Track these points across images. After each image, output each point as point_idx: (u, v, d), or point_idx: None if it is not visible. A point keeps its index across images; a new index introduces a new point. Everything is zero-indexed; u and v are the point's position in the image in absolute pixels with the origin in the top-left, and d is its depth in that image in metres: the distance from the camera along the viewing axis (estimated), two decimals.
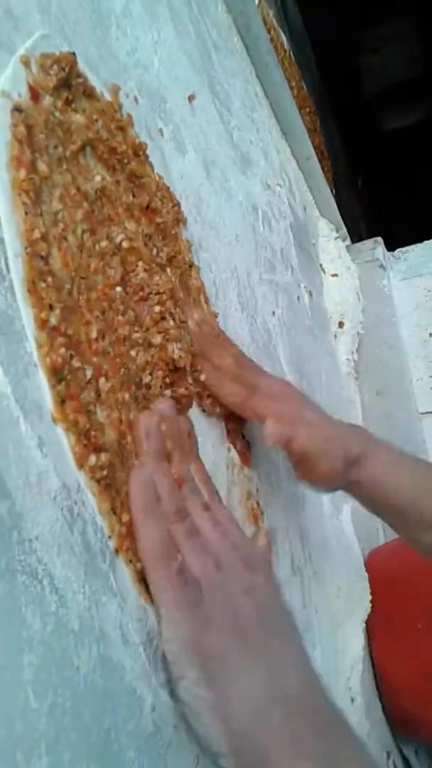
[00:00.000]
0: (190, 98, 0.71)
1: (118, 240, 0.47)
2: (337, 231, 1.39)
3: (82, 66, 0.46)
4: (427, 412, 1.29)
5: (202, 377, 0.53)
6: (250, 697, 0.36)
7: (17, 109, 0.38)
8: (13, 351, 0.33)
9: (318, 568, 0.76)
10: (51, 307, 0.36)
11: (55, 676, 0.31)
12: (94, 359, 0.40)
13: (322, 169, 1.32)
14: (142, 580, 0.40)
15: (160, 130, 0.61)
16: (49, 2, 0.46)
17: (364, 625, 0.88)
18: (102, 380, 0.40)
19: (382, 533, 1.21)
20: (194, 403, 0.53)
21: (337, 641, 0.80)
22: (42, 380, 0.35)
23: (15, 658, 0.29)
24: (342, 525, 0.93)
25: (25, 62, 0.40)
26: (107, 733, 0.34)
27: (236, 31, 1.01)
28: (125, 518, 0.39)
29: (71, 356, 0.37)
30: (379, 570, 0.95)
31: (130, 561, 0.39)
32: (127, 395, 0.43)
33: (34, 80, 0.40)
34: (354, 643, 0.84)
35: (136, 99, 0.57)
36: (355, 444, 0.55)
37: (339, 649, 0.80)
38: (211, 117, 0.78)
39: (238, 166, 0.85)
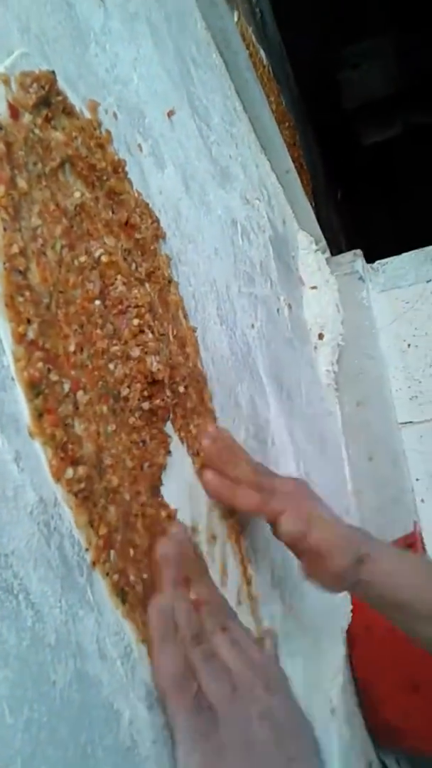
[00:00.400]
0: (170, 114, 0.72)
1: (96, 255, 0.47)
2: (317, 243, 1.41)
3: (61, 83, 0.46)
4: (406, 422, 1.30)
5: (211, 486, 0.57)
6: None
7: None
8: None
9: (299, 578, 0.77)
10: (29, 321, 0.36)
11: (30, 691, 0.31)
12: (72, 372, 0.40)
13: (302, 183, 1.33)
14: (119, 592, 0.40)
15: (139, 146, 0.62)
16: (28, 20, 0.46)
17: (345, 634, 0.88)
18: (80, 393, 0.41)
19: None
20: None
21: (318, 651, 0.80)
22: (19, 394, 0.35)
23: None
24: None
25: (5, 80, 0.40)
26: (84, 749, 0.34)
27: (215, 47, 1.03)
28: (102, 531, 0.39)
29: (49, 370, 0.37)
30: None
31: (107, 574, 0.39)
32: (105, 408, 0.43)
33: (14, 98, 0.41)
34: (335, 653, 0.85)
35: (115, 115, 0.57)
36: (362, 543, 0.58)
37: (320, 659, 0.80)
38: (190, 132, 0.79)
39: (217, 181, 0.86)
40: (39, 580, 0.33)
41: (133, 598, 0.41)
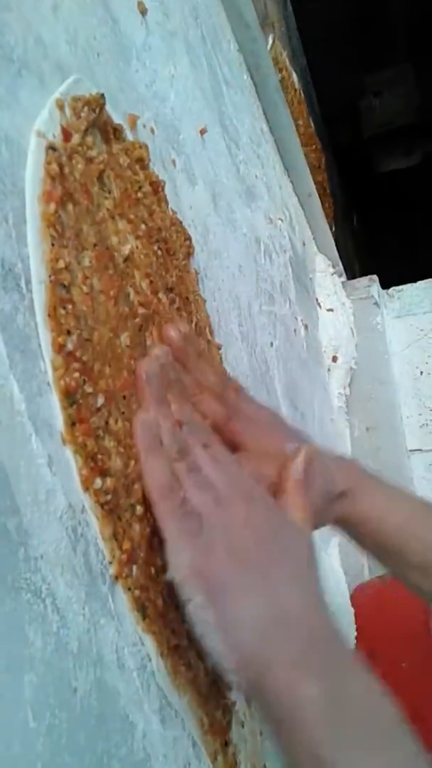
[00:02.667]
0: (202, 131, 0.73)
1: (133, 300, 0.48)
2: (334, 267, 1.42)
3: (108, 107, 0.47)
4: (415, 450, 1.30)
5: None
6: (251, 617, 0.38)
7: (52, 147, 0.39)
8: (28, 369, 0.34)
9: None
10: (69, 332, 0.37)
11: (53, 697, 0.31)
12: (105, 391, 0.41)
13: (324, 206, 1.35)
14: (140, 608, 0.40)
15: (173, 161, 0.62)
16: (76, 33, 0.47)
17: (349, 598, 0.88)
18: (112, 416, 0.41)
19: (367, 570, 1.21)
20: None
21: None
22: (53, 400, 0.35)
23: (17, 676, 0.29)
24: (330, 559, 0.93)
25: (60, 105, 0.42)
26: (100, 758, 0.33)
27: (246, 68, 1.04)
28: (126, 546, 0.39)
29: (84, 381, 0.38)
30: (364, 606, 0.95)
31: (129, 589, 0.39)
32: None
33: (68, 123, 0.42)
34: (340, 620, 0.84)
35: (152, 130, 0.58)
36: (341, 479, 0.52)
37: None
38: (220, 150, 0.80)
39: (243, 199, 0.87)
40: (65, 585, 0.33)
41: (153, 612, 0.41)
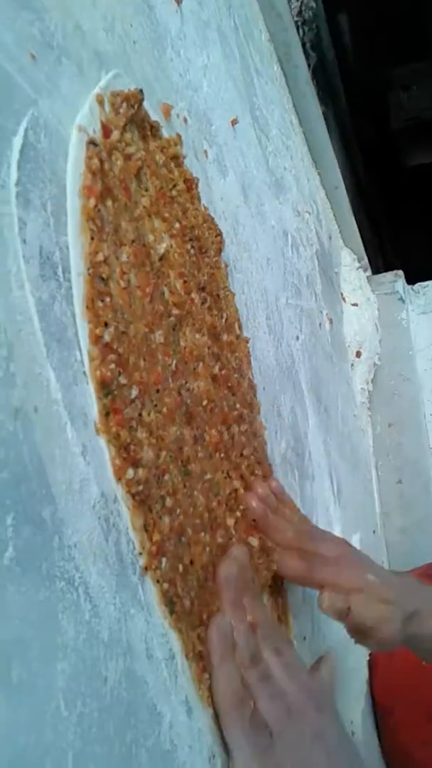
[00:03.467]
0: (233, 122, 0.72)
1: (168, 298, 0.48)
2: (359, 261, 1.40)
3: (146, 103, 0.47)
4: None
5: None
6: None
7: (92, 142, 0.39)
8: (65, 358, 0.34)
9: None
10: (106, 324, 0.37)
11: (84, 686, 0.31)
12: (139, 384, 0.41)
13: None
14: (168, 602, 0.40)
15: (205, 152, 0.62)
16: (113, 20, 0.47)
17: (367, 658, 0.87)
18: (146, 409, 0.41)
19: (387, 567, 1.20)
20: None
21: (343, 672, 0.79)
22: (89, 390, 0.35)
23: (50, 664, 0.29)
24: None
25: (100, 101, 0.42)
26: (129, 748, 0.33)
27: (277, 59, 1.03)
28: (156, 537, 0.39)
29: (119, 373, 0.38)
30: None
31: (158, 581, 0.39)
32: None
33: (107, 118, 0.42)
34: (358, 677, 0.83)
35: (185, 120, 0.58)
36: (410, 601, 0.55)
37: (345, 681, 0.79)
38: (250, 141, 0.79)
39: (272, 191, 0.86)
40: (97, 574, 0.33)
41: (181, 609, 0.41)
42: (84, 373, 0.35)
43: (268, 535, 0.55)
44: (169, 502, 0.42)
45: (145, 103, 0.47)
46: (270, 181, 0.86)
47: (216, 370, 0.54)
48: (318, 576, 0.53)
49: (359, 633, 0.53)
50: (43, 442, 0.31)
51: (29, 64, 0.35)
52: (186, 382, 0.48)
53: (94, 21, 0.44)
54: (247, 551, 0.50)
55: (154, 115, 0.50)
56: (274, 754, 0.39)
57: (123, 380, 0.39)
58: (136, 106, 0.46)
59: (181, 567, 0.42)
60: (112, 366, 0.37)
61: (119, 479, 0.37)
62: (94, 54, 0.43)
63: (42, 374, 0.32)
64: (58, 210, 0.35)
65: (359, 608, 0.51)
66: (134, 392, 0.40)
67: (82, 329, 0.36)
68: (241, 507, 0.54)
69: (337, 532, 0.88)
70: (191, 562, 0.44)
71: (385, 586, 0.54)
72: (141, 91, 0.46)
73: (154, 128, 0.49)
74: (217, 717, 0.43)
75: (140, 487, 0.38)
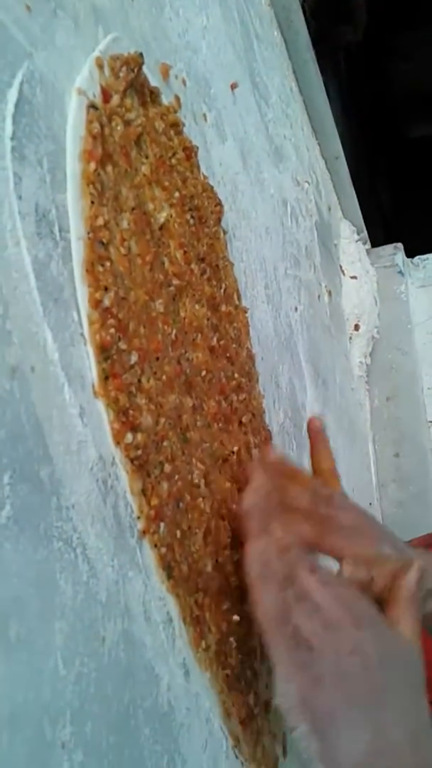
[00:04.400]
0: (233, 86, 0.71)
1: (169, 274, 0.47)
2: (359, 234, 1.39)
3: (145, 68, 0.46)
4: None
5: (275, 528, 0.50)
6: (355, 751, 0.38)
7: (93, 106, 0.39)
8: (62, 318, 0.33)
9: None
10: (106, 289, 0.37)
11: (82, 646, 0.31)
12: (139, 348, 0.41)
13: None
14: (166, 567, 0.40)
15: (204, 115, 0.61)
16: None
17: None
18: (145, 374, 0.41)
19: None
20: None
21: None
22: (86, 351, 0.35)
23: (48, 622, 0.29)
24: None
25: (99, 64, 0.41)
26: (126, 708, 0.34)
27: (277, 24, 1.01)
28: (154, 502, 0.39)
29: (119, 338, 0.37)
30: None
31: (156, 546, 0.39)
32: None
33: (107, 83, 0.41)
34: None
35: (184, 81, 0.56)
36: (428, 579, 0.51)
37: None
38: (250, 107, 0.78)
39: (271, 159, 0.85)
40: (95, 536, 0.33)
41: (179, 575, 0.41)
42: (81, 334, 0.35)
43: (283, 502, 0.52)
44: (167, 468, 0.42)
45: (144, 66, 0.46)
46: (269, 148, 0.85)
47: (214, 341, 0.53)
48: (329, 541, 0.51)
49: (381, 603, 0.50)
50: (41, 402, 0.30)
51: (24, 15, 0.34)
52: (185, 352, 0.48)
53: None
54: (266, 479, 0.50)
55: (153, 75, 0.49)
56: (312, 668, 0.40)
57: (123, 345, 0.38)
58: (135, 70, 0.45)
59: (179, 533, 0.42)
60: (112, 331, 0.37)
61: (118, 443, 0.37)
62: (90, 8, 0.42)
63: (39, 334, 0.31)
64: (54, 167, 0.35)
65: (381, 577, 0.49)
66: (134, 358, 0.39)
67: (82, 293, 0.35)
68: (242, 472, 0.54)
69: None
70: (189, 528, 0.44)
71: (414, 560, 0.51)
72: (141, 54, 0.45)
73: (154, 94, 0.48)
74: (214, 680, 0.43)
75: (139, 452, 0.38)
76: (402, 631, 0.45)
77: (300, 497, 0.53)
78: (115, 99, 0.42)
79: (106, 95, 0.41)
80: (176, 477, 0.43)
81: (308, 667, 0.41)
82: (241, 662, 0.48)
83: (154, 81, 0.48)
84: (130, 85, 0.44)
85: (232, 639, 0.46)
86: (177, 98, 0.54)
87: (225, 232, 0.61)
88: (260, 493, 0.49)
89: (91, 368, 0.35)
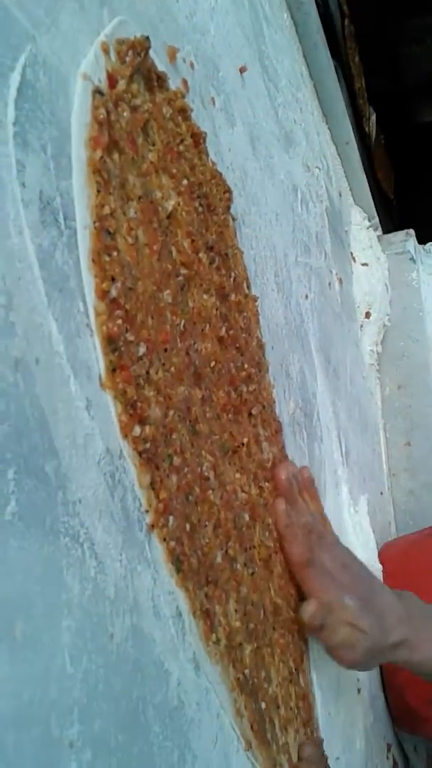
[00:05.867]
0: (242, 70, 0.70)
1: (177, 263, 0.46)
2: (370, 220, 1.37)
3: (152, 53, 0.45)
4: None
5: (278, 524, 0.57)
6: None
7: (98, 92, 0.38)
8: (67, 309, 0.32)
9: None
10: (113, 279, 0.36)
11: (90, 643, 0.30)
12: (147, 341, 0.40)
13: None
14: (175, 560, 0.39)
15: (212, 99, 0.60)
16: None
17: None
18: (154, 367, 0.40)
19: (394, 527, 1.20)
20: None
21: None
22: (93, 343, 0.34)
23: (55, 620, 0.28)
24: (359, 516, 0.92)
25: (105, 49, 0.40)
26: (136, 704, 0.33)
27: (287, 7, 0.99)
28: (163, 495, 0.39)
29: (126, 329, 0.37)
30: (392, 564, 0.94)
31: (164, 539, 0.39)
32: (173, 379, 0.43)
33: (113, 68, 0.40)
34: None
35: (192, 65, 0.55)
36: (396, 631, 0.58)
37: None
38: (259, 91, 0.77)
39: (281, 144, 0.83)
40: (103, 530, 0.32)
41: (188, 568, 0.40)
42: (87, 325, 0.34)
43: (289, 510, 0.58)
44: (176, 460, 0.41)
45: (151, 50, 0.45)
46: (279, 133, 0.83)
47: (223, 332, 0.52)
48: (305, 578, 0.56)
49: (331, 651, 0.57)
50: (46, 395, 0.30)
51: None
52: (194, 343, 0.47)
53: None
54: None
55: (160, 58, 0.48)
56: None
57: (130, 337, 0.37)
58: (142, 54, 0.43)
59: (188, 526, 0.42)
60: (119, 322, 0.36)
61: (126, 436, 0.36)
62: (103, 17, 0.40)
63: (43, 325, 0.30)
64: (59, 153, 0.34)
65: (327, 629, 0.55)
66: (142, 349, 0.39)
67: (88, 283, 0.34)
68: (252, 464, 0.53)
69: (344, 492, 0.87)
70: (198, 521, 0.43)
71: (363, 613, 0.55)
72: (147, 38, 0.44)
73: (161, 79, 0.47)
74: (225, 674, 0.43)
75: (147, 445, 0.37)
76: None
77: (303, 515, 0.60)
78: (122, 84, 0.41)
79: (112, 80, 0.40)
80: (185, 470, 0.42)
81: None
82: (254, 659, 0.47)
83: (161, 64, 0.47)
84: (137, 70, 0.43)
85: (241, 635, 0.46)
86: (185, 82, 0.53)
87: (234, 219, 0.59)
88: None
89: (97, 360, 0.34)
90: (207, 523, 0.44)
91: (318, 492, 0.67)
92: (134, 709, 0.33)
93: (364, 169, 1.32)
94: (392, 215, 2.06)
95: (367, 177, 1.34)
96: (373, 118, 1.57)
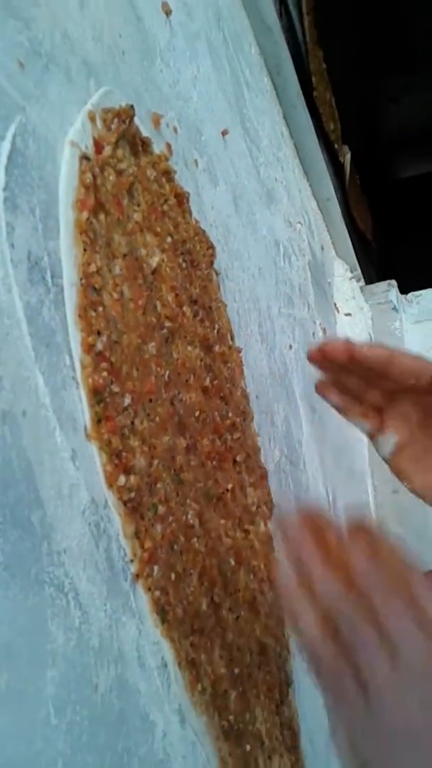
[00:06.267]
0: (224, 133, 0.73)
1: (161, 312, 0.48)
2: (352, 272, 1.41)
3: (137, 120, 0.47)
4: None
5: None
6: None
7: (85, 157, 0.40)
8: (53, 362, 0.34)
9: None
10: (99, 333, 0.37)
11: (74, 694, 0.30)
12: (132, 390, 0.41)
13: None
14: (160, 611, 0.39)
15: (195, 161, 0.62)
16: (102, 30, 0.47)
17: None
18: (138, 417, 0.41)
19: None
20: None
21: None
22: (79, 394, 0.35)
23: (39, 671, 0.28)
24: None
25: (92, 117, 0.42)
26: (121, 757, 0.33)
27: (267, 72, 1.04)
28: (148, 545, 0.39)
29: (112, 381, 0.38)
30: None
31: (149, 589, 0.39)
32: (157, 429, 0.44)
33: (99, 134, 0.42)
34: None
35: (175, 129, 0.58)
36: None
37: None
38: (241, 152, 0.80)
39: (263, 201, 0.86)
40: (88, 580, 0.33)
41: (173, 618, 0.40)
42: (73, 378, 0.35)
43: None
44: (161, 509, 0.42)
45: (136, 116, 0.47)
46: (261, 191, 0.86)
47: (207, 382, 0.54)
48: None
49: None
50: (32, 447, 0.31)
51: (17, 71, 0.35)
52: (179, 393, 0.48)
53: (83, 30, 0.44)
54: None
55: (144, 125, 0.50)
56: (371, 711, 0.33)
57: (115, 388, 0.39)
58: (127, 122, 0.46)
59: (173, 575, 0.42)
60: (105, 374, 0.37)
61: (111, 485, 0.37)
62: (82, 62, 0.43)
63: (30, 378, 0.32)
64: (47, 215, 0.35)
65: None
66: (127, 400, 0.40)
67: (74, 338, 0.36)
68: (237, 508, 0.54)
69: None
70: (184, 570, 0.43)
71: None
72: (132, 106, 0.46)
73: (146, 144, 0.50)
74: (210, 725, 0.42)
75: (132, 494, 0.38)
76: None
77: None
78: (107, 150, 0.43)
79: (99, 146, 0.42)
80: (170, 519, 0.43)
81: (367, 709, 0.32)
82: (239, 704, 0.47)
83: (145, 129, 0.50)
84: (122, 136, 0.45)
85: (226, 682, 0.46)
86: (168, 145, 0.55)
87: (218, 274, 0.61)
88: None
89: (83, 411, 0.35)
90: (192, 571, 0.44)
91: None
92: (119, 762, 0.33)
93: (345, 224, 1.36)
94: (373, 262, 2.11)
95: (348, 230, 1.38)
96: (348, 156, 1.62)
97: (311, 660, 0.33)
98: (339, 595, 0.34)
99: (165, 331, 0.48)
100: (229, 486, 0.53)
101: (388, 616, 0.34)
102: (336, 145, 1.45)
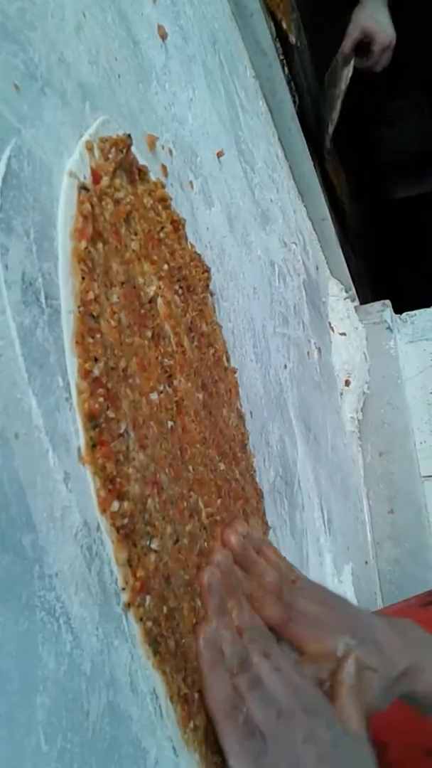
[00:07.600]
0: (219, 154, 0.74)
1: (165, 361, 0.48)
2: (347, 291, 1.42)
3: (134, 149, 0.48)
4: (429, 476, 1.29)
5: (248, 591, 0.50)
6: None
7: (84, 187, 0.40)
8: (47, 384, 0.33)
9: None
10: (96, 359, 0.37)
11: (65, 720, 0.30)
12: (129, 419, 0.41)
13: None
14: (152, 642, 0.39)
15: (191, 183, 0.63)
16: (98, 54, 0.47)
17: None
18: (133, 435, 0.41)
19: (380, 598, 1.19)
20: None
21: None
22: (72, 416, 0.35)
23: (29, 697, 0.28)
24: (343, 586, 0.91)
25: (89, 147, 0.42)
26: None
27: (262, 95, 1.05)
28: (140, 573, 0.38)
29: (108, 407, 0.38)
30: None
31: (141, 619, 0.38)
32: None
33: (97, 164, 0.43)
34: None
35: (170, 151, 0.58)
36: (401, 658, 0.50)
37: None
38: (236, 173, 0.80)
39: (258, 222, 0.87)
40: (79, 604, 0.32)
41: (165, 650, 0.39)
42: (67, 399, 0.35)
43: (249, 573, 0.51)
44: (156, 544, 0.41)
45: (135, 152, 0.48)
46: (256, 212, 0.87)
47: (203, 415, 0.53)
48: (289, 631, 0.49)
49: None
50: (24, 469, 0.30)
51: (13, 94, 0.36)
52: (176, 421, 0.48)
53: (79, 53, 0.45)
54: (230, 555, 0.49)
55: (139, 148, 0.51)
56: (266, 758, 0.40)
57: (111, 414, 0.38)
58: (124, 151, 0.46)
59: (165, 608, 0.41)
60: (101, 399, 0.37)
61: (104, 511, 0.36)
62: (77, 85, 0.43)
63: (23, 400, 0.31)
64: (41, 237, 0.36)
65: (337, 684, 0.47)
66: (123, 426, 0.40)
67: (71, 363, 0.36)
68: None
69: (328, 562, 0.87)
70: (178, 602, 0.43)
71: (365, 650, 0.49)
72: (129, 136, 0.47)
73: (143, 172, 0.50)
74: (203, 761, 0.42)
75: (125, 521, 0.38)
76: (348, 723, 0.44)
77: (266, 575, 0.51)
78: (105, 180, 0.43)
79: (96, 176, 0.43)
80: (163, 551, 0.42)
81: (262, 758, 0.40)
82: None
83: (140, 152, 0.50)
84: (120, 166, 0.46)
85: None
86: (164, 167, 0.56)
87: (212, 294, 0.62)
88: (222, 568, 0.47)
89: (77, 433, 0.35)
90: (185, 604, 0.44)
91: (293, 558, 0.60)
92: None
93: (340, 244, 1.37)
94: (368, 282, 2.12)
95: (343, 250, 1.39)
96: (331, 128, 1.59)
97: (215, 710, 0.41)
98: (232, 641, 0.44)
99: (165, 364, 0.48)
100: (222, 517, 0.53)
101: (261, 673, 0.44)
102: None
